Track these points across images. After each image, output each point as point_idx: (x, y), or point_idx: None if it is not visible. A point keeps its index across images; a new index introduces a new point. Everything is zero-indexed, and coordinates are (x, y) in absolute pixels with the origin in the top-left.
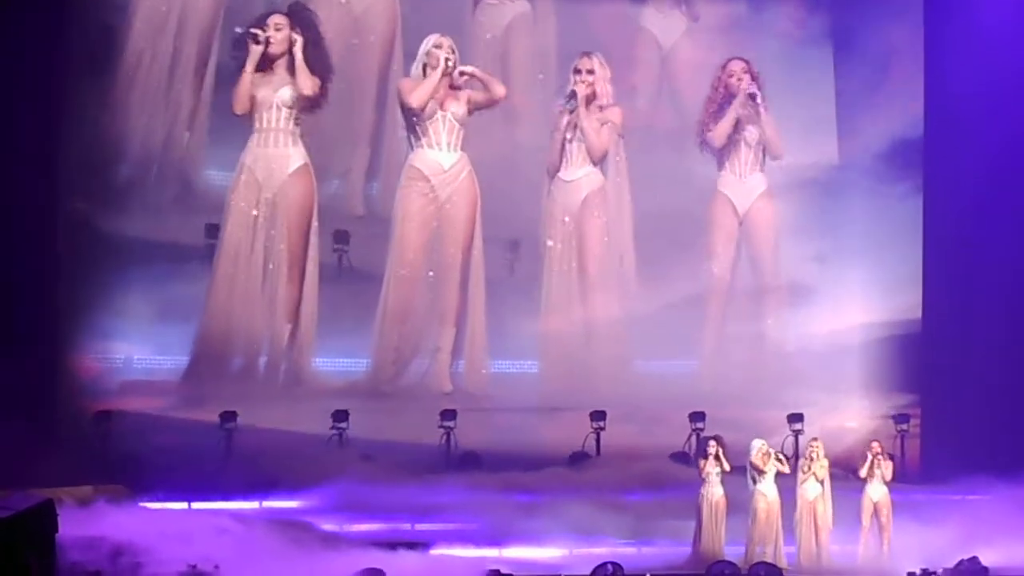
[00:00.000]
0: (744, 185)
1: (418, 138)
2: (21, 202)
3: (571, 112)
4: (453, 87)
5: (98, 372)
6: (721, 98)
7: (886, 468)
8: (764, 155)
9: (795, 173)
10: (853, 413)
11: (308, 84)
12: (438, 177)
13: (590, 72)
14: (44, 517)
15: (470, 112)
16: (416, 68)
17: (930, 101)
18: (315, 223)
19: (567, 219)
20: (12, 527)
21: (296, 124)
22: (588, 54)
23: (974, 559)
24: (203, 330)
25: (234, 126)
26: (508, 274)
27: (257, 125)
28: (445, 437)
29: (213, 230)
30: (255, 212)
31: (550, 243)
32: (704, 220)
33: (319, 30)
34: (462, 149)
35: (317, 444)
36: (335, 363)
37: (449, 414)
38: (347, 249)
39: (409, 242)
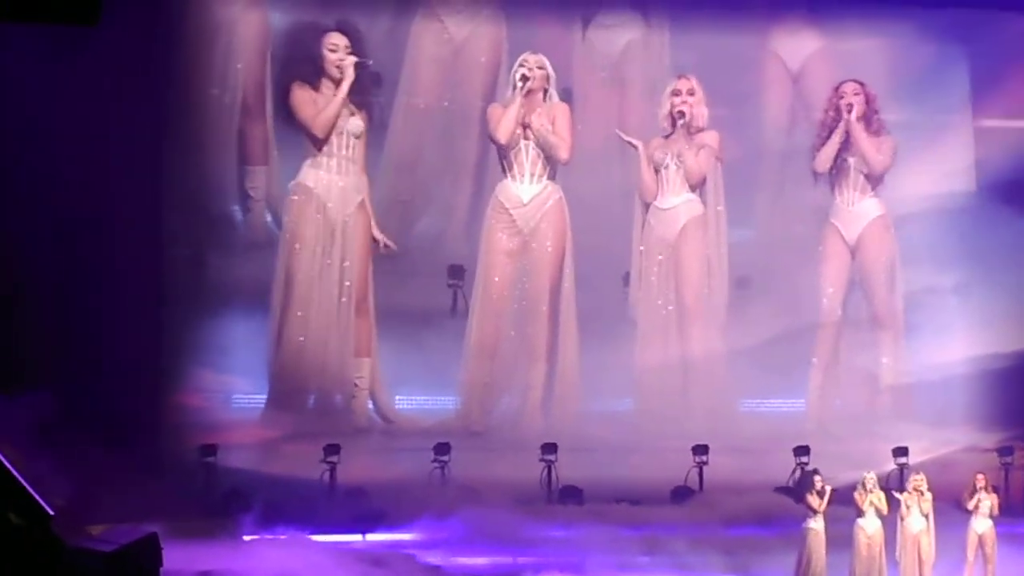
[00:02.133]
0: (853, 213)
1: (505, 169)
2: (127, 241)
3: (666, 137)
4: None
5: (202, 406)
6: (832, 121)
7: (992, 501)
8: (877, 180)
9: (907, 202)
10: (957, 446)
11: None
12: (518, 211)
13: (690, 93)
14: (149, 551)
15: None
16: (508, 92)
17: None
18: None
19: (664, 249)
20: (117, 561)
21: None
22: (685, 76)
23: None
24: (279, 363)
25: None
26: (625, 307)
27: (325, 149)
28: (546, 471)
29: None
30: (325, 241)
31: (646, 276)
32: (810, 250)
33: (365, 51)
34: (551, 179)
35: (419, 477)
36: (435, 400)
37: (550, 448)
38: (462, 284)
39: (493, 277)
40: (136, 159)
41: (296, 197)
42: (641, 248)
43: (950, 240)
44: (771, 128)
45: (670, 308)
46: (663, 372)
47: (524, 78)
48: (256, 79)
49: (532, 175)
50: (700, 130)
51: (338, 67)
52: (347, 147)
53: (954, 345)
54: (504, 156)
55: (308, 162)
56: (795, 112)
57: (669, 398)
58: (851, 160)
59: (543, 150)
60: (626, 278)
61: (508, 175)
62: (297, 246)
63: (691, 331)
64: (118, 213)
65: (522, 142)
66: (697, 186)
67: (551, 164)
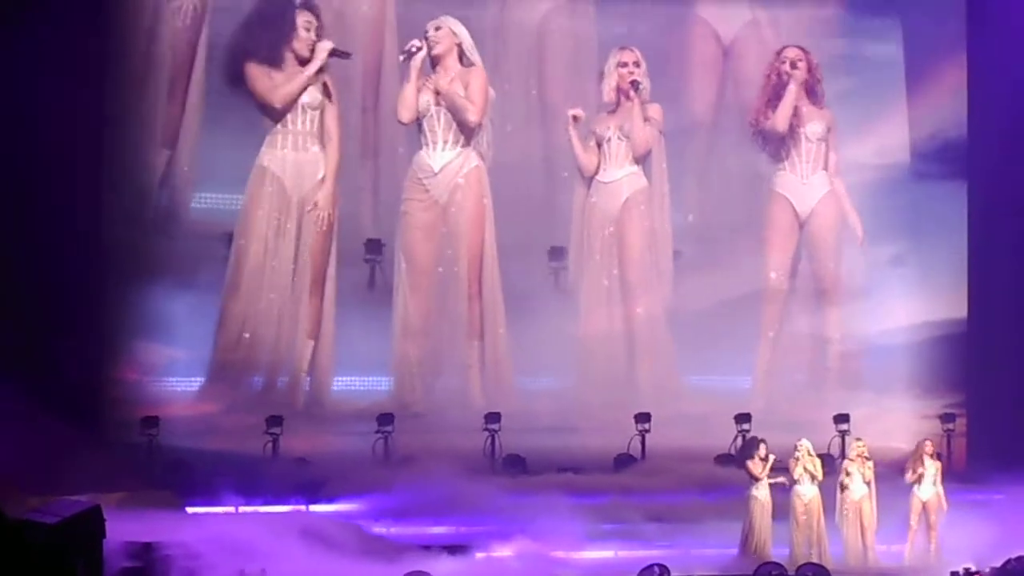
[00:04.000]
0: (806, 186)
1: (420, 138)
2: (69, 219)
3: (609, 112)
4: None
5: (144, 380)
6: (775, 85)
7: (936, 468)
8: (827, 153)
9: (844, 174)
10: (900, 413)
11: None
12: (430, 180)
13: (636, 64)
14: (91, 523)
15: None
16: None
17: (973, 97)
18: (335, 235)
19: (607, 223)
20: (59, 533)
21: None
22: (626, 47)
23: (1021, 558)
24: (223, 342)
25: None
26: (554, 283)
27: (279, 126)
28: (490, 440)
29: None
30: (279, 218)
31: (588, 250)
32: (756, 222)
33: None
34: (466, 145)
35: (362, 449)
36: (364, 381)
37: (493, 417)
38: (380, 260)
39: (416, 251)
40: (77, 139)
41: (253, 177)
42: (584, 223)
43: (888, 211)
44: (702, 100)
45: (613, 284)
46: (607, 346)
47: (409, 52)
48: (182, 62)
49: (445, 142)
50: (646, 101)
51: (310, 47)
52: (302, 121)
53: (894, 314)
54: (419, 125)
55: (266, 140)
56: (725, 84)
57: (613, 373)
58: (803, 131)
59: (453, 115)
60: (552, 252)
61: (423, 144)
62: (255, 225)
63: (634, 305)
64: (60, 192)
65: (433, 108)
66: (642, 159)
67: (465, 130)
